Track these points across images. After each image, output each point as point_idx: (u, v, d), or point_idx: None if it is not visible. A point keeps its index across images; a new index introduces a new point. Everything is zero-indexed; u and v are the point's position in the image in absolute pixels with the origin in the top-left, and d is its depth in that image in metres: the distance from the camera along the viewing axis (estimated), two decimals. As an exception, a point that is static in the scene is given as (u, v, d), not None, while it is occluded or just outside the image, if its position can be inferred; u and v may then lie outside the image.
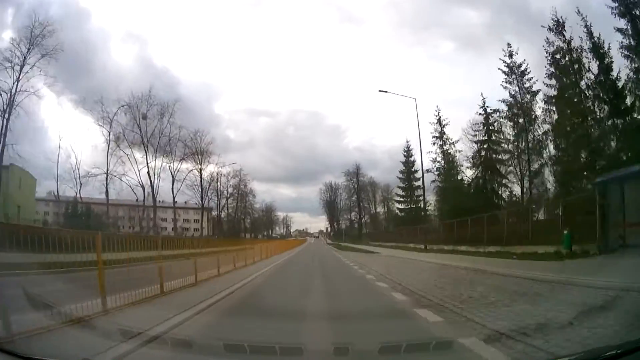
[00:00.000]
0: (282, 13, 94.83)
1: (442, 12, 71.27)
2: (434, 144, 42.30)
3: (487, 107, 37.00)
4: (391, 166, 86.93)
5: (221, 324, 5.38)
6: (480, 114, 37.65)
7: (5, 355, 2.74)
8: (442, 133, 43.04)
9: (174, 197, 48.77)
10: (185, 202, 55.66)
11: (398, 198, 52.66)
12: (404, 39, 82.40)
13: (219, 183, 56.48)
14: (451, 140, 41.25)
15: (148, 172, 44.44)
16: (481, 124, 38.34)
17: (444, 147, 41.89)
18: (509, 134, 35.22)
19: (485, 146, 38.74)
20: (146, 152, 44.90)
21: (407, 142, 52.66)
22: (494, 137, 36.74)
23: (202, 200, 52.82)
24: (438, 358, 3.83)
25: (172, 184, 48.81)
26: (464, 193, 38.15)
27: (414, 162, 52.24)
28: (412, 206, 51.48)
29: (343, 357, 3.82)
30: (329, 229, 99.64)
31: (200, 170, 51.90)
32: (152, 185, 45.11)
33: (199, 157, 50.69)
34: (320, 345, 4.16)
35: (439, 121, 42.93)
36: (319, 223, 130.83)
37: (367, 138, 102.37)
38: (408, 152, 52.48)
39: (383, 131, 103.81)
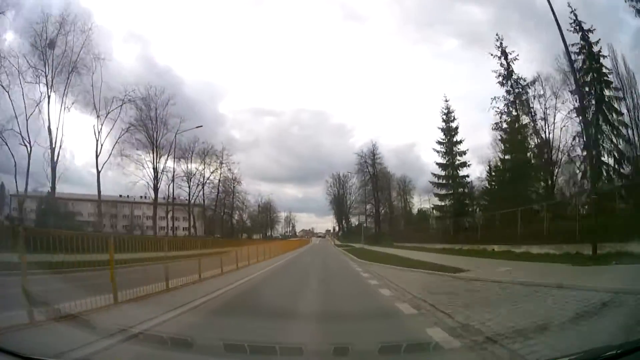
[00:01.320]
0: (285, 11, 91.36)
1: (446, 8, 68.74)
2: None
3: (582, 22, 24.62)
4: (397, 165, 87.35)
5: None
6: (573, 29, 23.30)
7: (5, 355, 2.81)
8: (509, 72, 28.22)
9: (98, 174, 33.93)
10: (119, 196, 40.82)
11: (435, 180, 37.24)
12: (408, 36, 78.85)
13: (188, 164, 41.30)
14: (524, 79, 26.84)
15: (49, 127, 29.31)
16: (578, 47, 23.83)
17: (515, 90, 27.18)
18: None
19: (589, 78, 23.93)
20: (48, 96, 29.76)
21: (446, 100, 37.55)
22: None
23: (154, 185, 37.63)
24: (438, 358, 3.79)
25: (97, 155, 33.64)
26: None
27: (456, 129, 37.02)
28: (457, 191, 36.08)
29: (343, 357, 3.82)
30: (337, 228, 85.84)
31: (155, 142, 36.77)
32: (51, 147, 29.53)
33: (150, 115, 35.69)
34: (320, 345, 4.16)
35: (504, 53, 28.29)
36: (326, 223, 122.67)
37: (372, 137, 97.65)
38: (448, 114, 37.39)
39: (389, 130, 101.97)
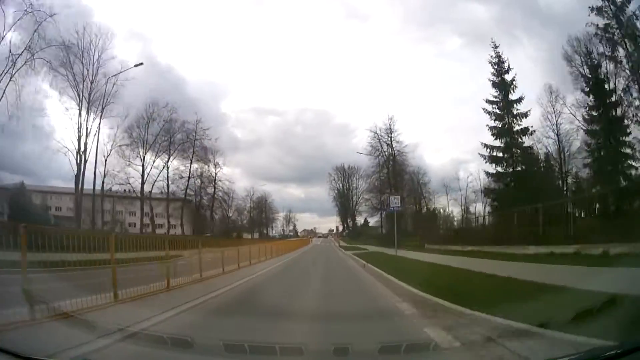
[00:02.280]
0: (287, 9, 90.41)
1: (449, 6, 68.08)
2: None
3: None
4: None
5: None
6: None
7: (5, 355, 2.80)
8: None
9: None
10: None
11: (488, 152, 26.58)
12: (410, 35, 77.51)
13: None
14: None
15: None
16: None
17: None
18: None
19: None
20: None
21: (495, 47, 26.88)
22: None
23: (79, 153, 27.07)
24: (438, 358, 3.77)
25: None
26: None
27: (512, 83, 26.31)
28: (519, 168, 25.39)
29: (343, 357, 3.79)
30: (342, 228, 76.89)
31: (83, 92, 26.37)
32: None
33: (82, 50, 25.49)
34: (320, 345, 4.10)
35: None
36: (329, 224, 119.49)
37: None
38: (499, 64, 26.82)
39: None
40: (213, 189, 40.67)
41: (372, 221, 68.33)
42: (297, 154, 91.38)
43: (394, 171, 42.52)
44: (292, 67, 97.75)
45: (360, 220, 70.34)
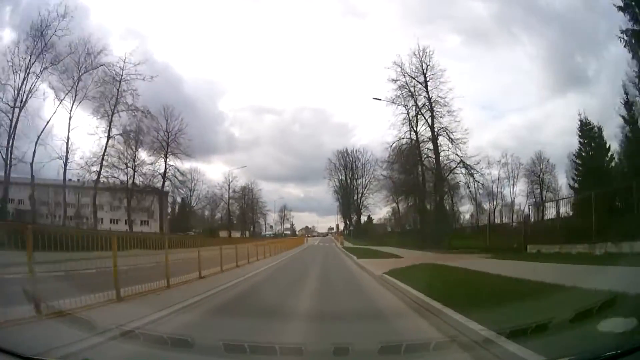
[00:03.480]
0: (285, 7, 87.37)
1: (448, 3, 65.48)
2: None
3: None
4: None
5: None
6: None
7: (5, 355, 2.79)
8: None
9: None
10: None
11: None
12: (409, 32, 66.29)
13: None
14: None
15: None
16: None
17: None
18: None
19: None
20: None
21: None
22: None
23: None
24: (438, 358, 3.76)
25: None
26: None
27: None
28: None
29: (343, 357, 3.80)
30: (344, 226, 68.16)
31: None
32: None
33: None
34: (320, 345, 4.14)
35: None
36: (329, 222, 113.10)
37: (375, 136, 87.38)
38: None
39: (392, 128, 79.16)
40: (164, 165, 28.22)
41: (376, 218, 58.74)
42: (295, 153, 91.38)
43: (431, 129, 27.22)
44: (290, 65, 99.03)
45: (363, 217, 59.38)
